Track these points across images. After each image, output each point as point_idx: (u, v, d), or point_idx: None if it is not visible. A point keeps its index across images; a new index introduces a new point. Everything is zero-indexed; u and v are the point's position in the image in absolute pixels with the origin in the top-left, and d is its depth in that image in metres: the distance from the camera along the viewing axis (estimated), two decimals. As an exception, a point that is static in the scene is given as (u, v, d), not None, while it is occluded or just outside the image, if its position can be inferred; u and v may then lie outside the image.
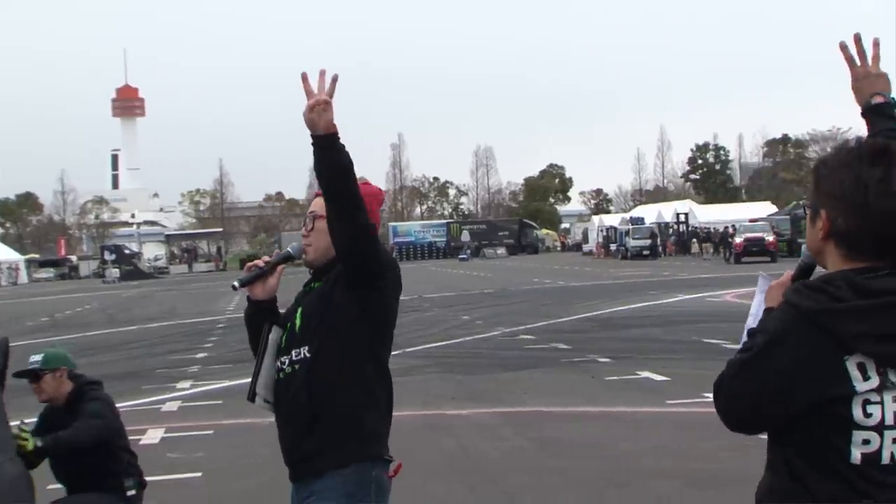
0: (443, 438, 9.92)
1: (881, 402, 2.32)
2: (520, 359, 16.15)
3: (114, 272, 79.07)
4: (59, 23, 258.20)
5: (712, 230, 67.26)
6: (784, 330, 2.37)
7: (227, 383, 14.75)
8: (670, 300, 27.40)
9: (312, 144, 3.31)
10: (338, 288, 3.52)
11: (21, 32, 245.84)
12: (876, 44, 2.93)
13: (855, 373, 2.31)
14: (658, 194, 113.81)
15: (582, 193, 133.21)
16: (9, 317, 36.43)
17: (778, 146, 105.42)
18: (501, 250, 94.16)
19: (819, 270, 2.54)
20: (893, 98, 2.95)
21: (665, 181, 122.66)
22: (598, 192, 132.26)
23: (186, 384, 15.06)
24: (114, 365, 18.33)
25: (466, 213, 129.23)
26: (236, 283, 3.71)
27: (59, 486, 6.04)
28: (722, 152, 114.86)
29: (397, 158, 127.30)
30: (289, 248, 3.79)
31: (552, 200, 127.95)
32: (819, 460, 2.36)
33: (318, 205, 3.58)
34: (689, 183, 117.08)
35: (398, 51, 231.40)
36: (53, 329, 29.23)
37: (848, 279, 2.37)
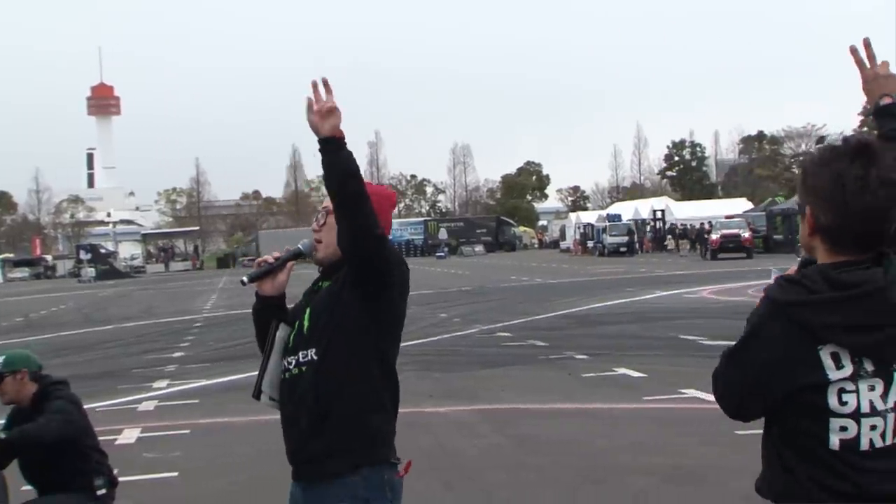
0: (420, 436, 9.91)
1: (856, 391, 2.42)
2: (497, 356, 16.17)
3: (89, 271, 78.62)
4: (34, 20, 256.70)
5: (689, 227, 67.56)
6: (761, 322, 2.50)
7: (204, 382, 14.69)
8: (647, 297, 27.47)
9: (318, 149, 3.36)
10: (346, 287, 3.51)
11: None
12: (867, 44, 2.99)
13: (828, 362, 2.42)
14: (635, 191, 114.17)
15: (559, 191, 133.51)
16: (-17, 317, 36.18)
17: (753, 143, 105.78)
18: (479, 248, 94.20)
19: None
20: None
21: (642, 178, 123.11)
22: (576, 189, 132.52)
23: (163, 383, 14.97)
24: (89, 365, 18.24)
25: (444, 210, 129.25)
26: (245, 279, 3.71)
27: (31, 487, 6.01)
28: (698, 149, 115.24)
29: (375, 156, 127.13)
30: (299, 245, 3.75)
31: (529, 198, 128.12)
32: (803, 448, 2.47)
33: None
34: (665, 180, 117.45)
35: (375, 49, 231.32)
36: (28, 329, 29.03)
37: (824, 273, 2.48)
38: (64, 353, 20.39)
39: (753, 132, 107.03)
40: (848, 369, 2.43)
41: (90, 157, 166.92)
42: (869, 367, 2.43)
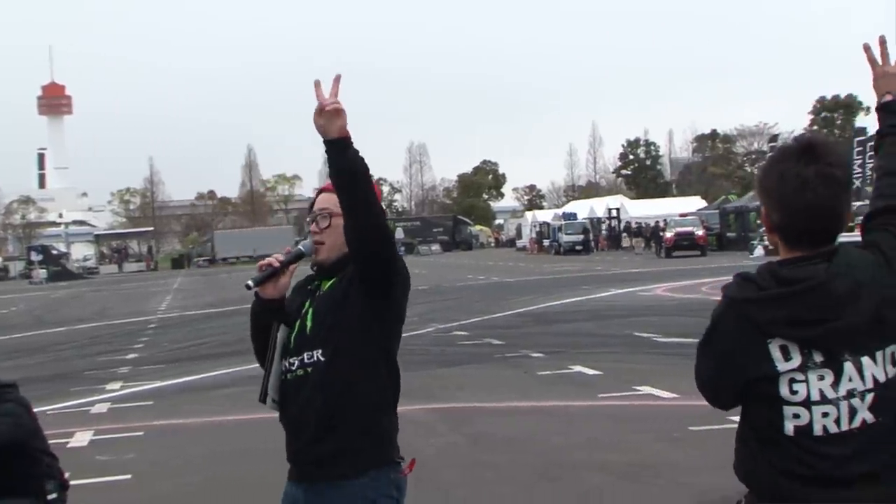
0: (377, 436, 9.88)
1: (806, 381, 2.55)
2: (454, 355, 16.18)
3: (41, 273, 77.82)
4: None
5: (644, 225, 68.00)
6: (718, 318, 2.66)
7: (158, 384, 14.56)
8: (602, 294, 27.63)
9: (325, 150, 3.35)
10: (353, 288, 3.50)
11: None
12: (882, 42, 3.02)
13: (777, 354, 2.56)
14: (590, 190, 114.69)
15: (515, 189, 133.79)
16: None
17: (707, 141, 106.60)
18: (436, 247, 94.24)
19: None
20: None
21: (597, 177, 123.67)
22: (532, 188, 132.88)
23: (116, 385, 14.83)
24: (41, 367, 18.03)
25: (400, 209, 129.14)
26: (250, 283, 3.65)
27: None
28: (653, 148, 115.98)
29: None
30: (300, 247, 3.72)
31: (486, 197, 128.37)
32: (763, 433, 2.63)
33: (333, 201, 3.55)
34: (620, 178, 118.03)
35: (329, 47, 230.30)
36: (-21, 331, 28.66)
37: (773, 270, 2.61)
38: (15, 355, 20.15)
39: (707, 131, 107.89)
40: (796, 361, 2.55)
41: (41, 158, 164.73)
42: (818, 358, 2.54)
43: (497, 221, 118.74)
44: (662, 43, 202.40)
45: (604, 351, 15.51)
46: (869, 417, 2.55)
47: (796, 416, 2.56)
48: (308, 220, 3.74)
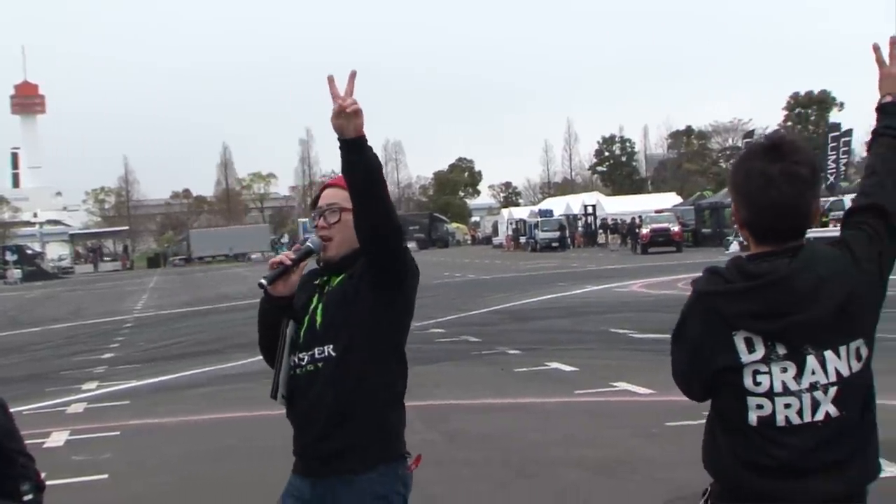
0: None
1: (769, 372, 2.61)
2: (430, 352, 16.17)
3: (15, 273, 77.32)
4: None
5: (619, 221, 68.24)
6: (687, 310, 2.76)
7: (134, 383, 14.51)
8: (579, 291, 27.71)
9: (340, 148, 3.36)
10: (364, 284, 3.51)
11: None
12: (893, 42, 3.04)
13: (741, 346, 2.63)
14: (566, 186, 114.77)
15: (491, 187, 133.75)
16: None
17: (682, 138, 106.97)
18: (412, 244, 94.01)
19: None
20: None
21: (573, 173, 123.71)
22: (507, 185, 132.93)
23: (92, 385, 14.76)
24: (16, 367, 17.95)
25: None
26: (264, 281, 3.65)
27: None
28: (628, 144, 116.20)
29: (306, 154, 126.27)
30: (309, 244, 3.72)
31: (462, 194, 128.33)
32: (728, 423, 2.69)
33: (342, 196, 3.57)
34: (596, 175, 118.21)
35: (303, 45, 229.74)
36: (-48, 332, 28.46)
37: (739, 264, 2.68)
38: (-11, 356, 20.01)
39: (682, 127, 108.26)
40: (760, 353, 2.62)
41: (15, 157, 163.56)
42: (781, 350, 2.60)
43: (473, 219, 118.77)
44: (637, 40, 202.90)
45: (580, 347, 15.56)
46: (833, 410, 2.60)
47: (759, 406, 2.62)
48: (314, 215, 3.73)
